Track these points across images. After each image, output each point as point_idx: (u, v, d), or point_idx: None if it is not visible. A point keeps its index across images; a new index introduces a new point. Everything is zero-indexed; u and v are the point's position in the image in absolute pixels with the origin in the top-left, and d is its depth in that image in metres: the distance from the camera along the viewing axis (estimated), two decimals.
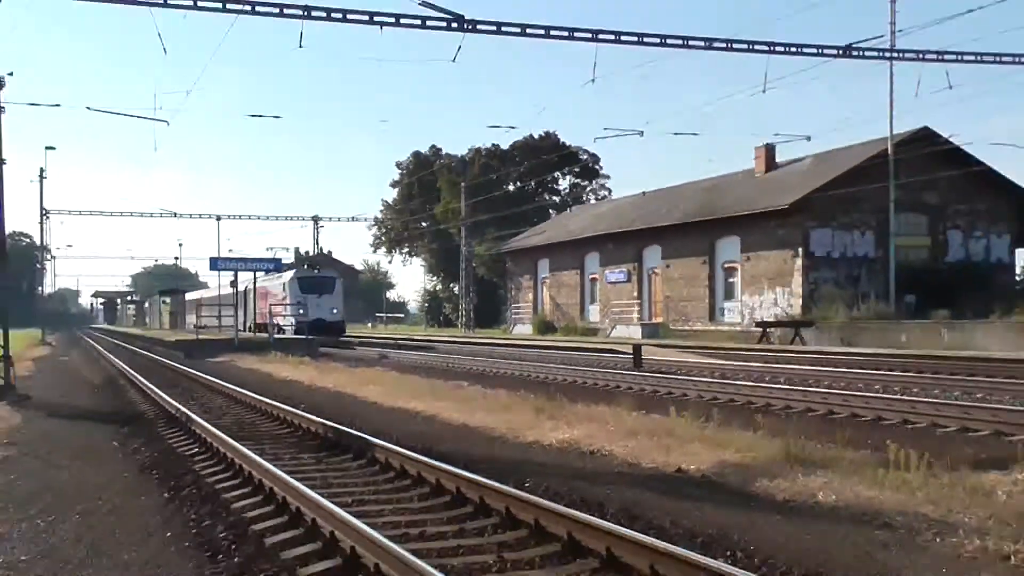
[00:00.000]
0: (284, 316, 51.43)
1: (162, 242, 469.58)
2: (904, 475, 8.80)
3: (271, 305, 52.12)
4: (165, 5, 25.96)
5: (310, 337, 44.24)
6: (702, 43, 30.81)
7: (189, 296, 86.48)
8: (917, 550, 6.83)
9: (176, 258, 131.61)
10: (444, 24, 27.93)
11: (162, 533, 7.88)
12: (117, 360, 35.72)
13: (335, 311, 52.87)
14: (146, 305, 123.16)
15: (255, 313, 57.41)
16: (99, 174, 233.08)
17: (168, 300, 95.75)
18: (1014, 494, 8.12)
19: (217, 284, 65.16)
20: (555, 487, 9.15)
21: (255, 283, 58.69)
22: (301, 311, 48.02)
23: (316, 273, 56.16)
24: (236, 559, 6.85)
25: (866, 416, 14.43)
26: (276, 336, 47.60)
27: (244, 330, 55.83)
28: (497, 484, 8.30)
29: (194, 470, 10.87)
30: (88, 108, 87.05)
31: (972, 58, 33.26)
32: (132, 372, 27.30)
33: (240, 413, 16.94)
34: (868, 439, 11.46)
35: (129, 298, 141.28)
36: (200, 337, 48.56)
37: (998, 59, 33.70)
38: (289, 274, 54.94)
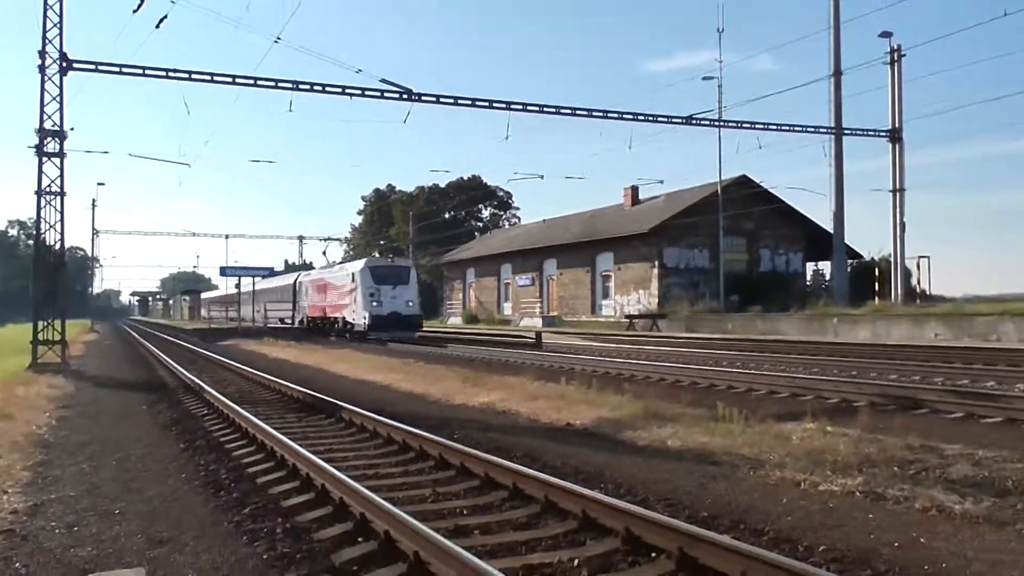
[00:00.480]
0: (354, 309, 35.80)
1: (184, 254, 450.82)
2: (729, 426, 8.89)
3: (335, 298, 38.68)
4: (190, 79, 25.76)
5: (385, 337, 32.60)
6: (586, 112, 31.13)
7: (204, 295, 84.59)
8: (737, 480, 6.89)
9: (194, 267, 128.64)
10: (397, 96, 28.01)
11: (178, 475, 7.62)
12: (147, 343, 34.66)
13: (411, 303, 35.28)
14: (171, 302, 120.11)
15: (307, 307, 43.73)
16: (136, 203, 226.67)
17: (187, 298, 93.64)
18: (804, 438, 8.24)
19: (225, 287, 62.68)
20: (476, 438, 9.06)
21: (308, 276, 46.00)
22: (375, 303, 34.06)
23: (390, 261, 37.56)
24: (235, 494, 6.66)
25: (702, 383, 14.55)
26: (277, 327, 40.77)
27: (294, 325, 44.79)
28: (433, 436, 8.18)
29: (204, 427, 10.55)
30: (130, 154, 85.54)
31: (775, 127, 34.13)
32: (158, 352, 26.52)
33: (241, 384, 16.48)
34: (704, 400, 11.51)
35: (158, 296, 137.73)
36: (212, 326, 47.40)
37: (791, 128, 34.64)
38: (359, 263, 37.38)
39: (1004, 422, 9.65)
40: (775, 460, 7.37)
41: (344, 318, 36.96)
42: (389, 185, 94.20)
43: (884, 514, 5.73)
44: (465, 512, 5.97)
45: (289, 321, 46.60)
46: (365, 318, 34.16)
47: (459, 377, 15.10)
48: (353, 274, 36.27)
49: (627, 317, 42.53)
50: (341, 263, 41.54)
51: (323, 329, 39.92)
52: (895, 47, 35.99)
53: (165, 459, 8.48)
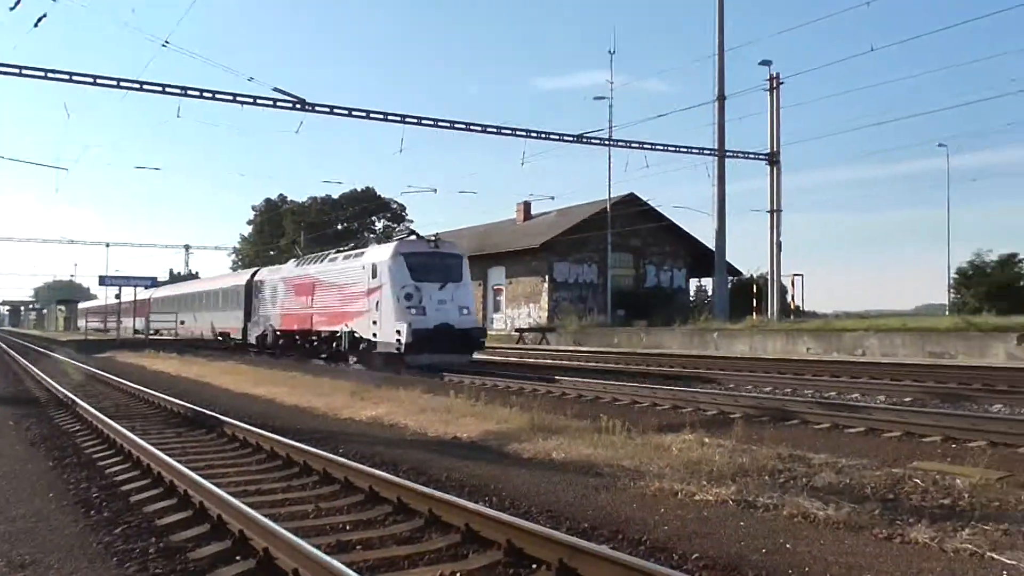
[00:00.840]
0: (374, 320, 22.84)
1: (61, 262, 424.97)
2: (611, 438, 9.03)
3: (336, 303, 25.50)
4: (71, 81, 24.70)
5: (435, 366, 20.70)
6: (480, 128, 31.34)
7: (81, 305, 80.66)
8: (618, 491, 7.02)
9: (71, 275, 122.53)
10: (290, 105, 27.49)
11: (46, 494, 7.21)
12: (16, 355, 32.74)
13: (467, 310, 23.25)
14: (44, 311, 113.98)
15: (276, 316, 30.27)
16: (9, 208, 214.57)
17: (63, 308, 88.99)
18: (683, 449, 8.45)
19: (104, 296, 59.11)
20: (362, 452, 8.95)
21: (277, 273, 31.94)
22: (414, 311, 21.78)
23: (433, 247, 23.93)
24: (106, 513, 6.36)
25: (588, 396, 14.79)
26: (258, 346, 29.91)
27: (247, 341, 33.12)
28: (317, 450, 8.04)
29: (76, 443, 10.03)
30: (2, 157, 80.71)
31: (662, 148, 35.16)
32: (28, 364, 25.10)
33: (118, 398, 15.75)
34: (588, 412, 11.65)
35: (31, 306, 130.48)
36: (88, 337, 45.10)
37: (677, 149, 35.77)
38: (384, 249, 23.85)
39: (866, 432, 10.20)
40: (655, 471, 7.55)
41: (353, 333, 24.06)
42: (280, 195, 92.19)
43: (754, 521, 5.96)
44: (348, 527, 5.88)
45: (238, 336, 34.11)
46: (399, 333, 21.41)
47: (347, 390, 14.88)
48: (374, 266, 23.26)
49: (517, 331, 42.87)
50: (345, 250, 27.36)
51: (310, 349, 27.51)
52: (774, 75, 37.69)
53: (32, 477, 8.02)
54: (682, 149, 36.05)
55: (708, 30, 37.11)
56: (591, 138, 34.31)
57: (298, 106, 27.62)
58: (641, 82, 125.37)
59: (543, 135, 32.61)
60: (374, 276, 23.19)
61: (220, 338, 36.58)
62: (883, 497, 6.56)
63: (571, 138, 33.45)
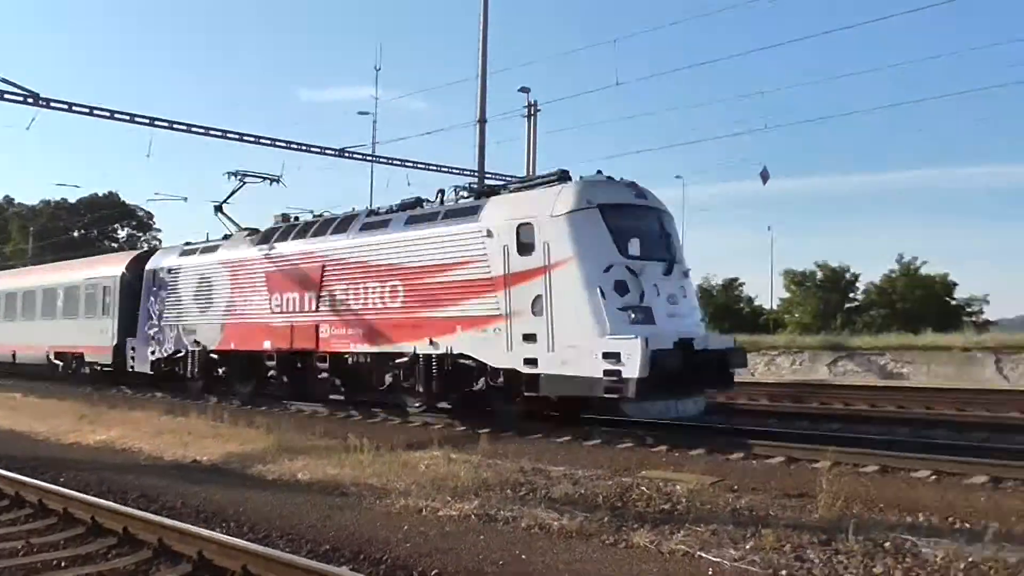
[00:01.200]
0: (537, 333, 11.09)
1: None
2: (359, 456, 8.94)
3: (418, 302, 12.93)
4: None
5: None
6: (237, 136, 30.02)
7: None
8: (363, 510, 6.98)
9: None
10: (21, 99, 24.76)
11: None
12: None
13: (699, 315, 12.17)
14: None
15: (216, 327, 17.37)
16: None
17: None
18: (430, 466, 8.57)
19: None
20: (87, 479, 8.23)
21: (228, 250, 18.08)
22: (635, 316, 10.52)
23: (638, 196, 11.94)
24: None
25: (340, 414, 14.57)
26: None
27: (113, 365, 20.39)
28: (31, 480, 7.31)
29: None
30: None
31: (423, 166, 35.60)
32: None
33: None
34: (337, 431, 11.38)
35: None
36: None
37: (439, 168, 36.32)
38: (549, 196, 11.68)
39: (602, 443, 10.85)
40: (401, 488, 7.58)
41: (456, 358, 12.58)
42: (7, 197, 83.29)
43: (494, 535, 6.15)
44: (64, 564, 5.42)
45: (103, 359, 20.89)
46: (618, 360, 10.26)
47: (75, 413, 13.64)
48: (521, 227, 11.79)
49: None
50: (402, 205, 14.52)
51: (301, 384, 15.89)
52: (532, 102, 39.34)
53: None
54: (443, 168, 36.56)
55: (473, 52, 38.08)
56: (354, 153, 33.97)
57: (30, 100, 24.97)
58: (405, 100, 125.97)
59: (304, 147, 31.79)
60: (523, 249, 11.72)
61: (59, 363, 22.80)
62: (613, 505, 7.01)
63: (333, 152, 32.84)
